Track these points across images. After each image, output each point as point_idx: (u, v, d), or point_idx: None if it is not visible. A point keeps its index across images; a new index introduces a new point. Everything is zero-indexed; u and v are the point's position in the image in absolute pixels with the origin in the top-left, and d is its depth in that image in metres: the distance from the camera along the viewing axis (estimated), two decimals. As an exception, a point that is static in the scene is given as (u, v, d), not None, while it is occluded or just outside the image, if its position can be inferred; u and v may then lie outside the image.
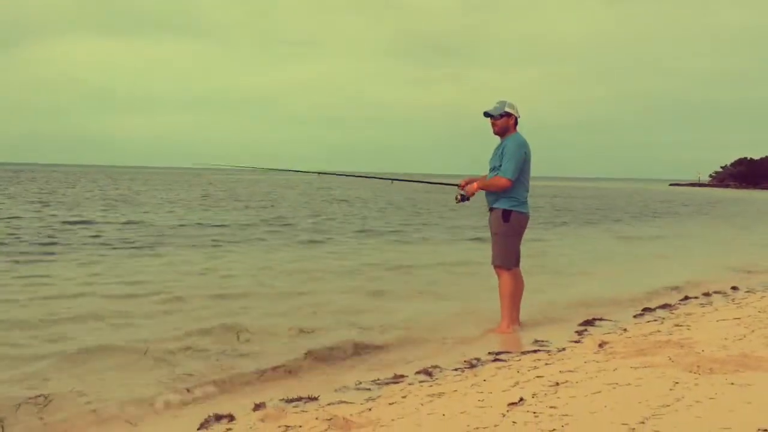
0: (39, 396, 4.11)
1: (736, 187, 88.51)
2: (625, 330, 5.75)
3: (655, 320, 6.20)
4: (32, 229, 14.54)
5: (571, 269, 10.20)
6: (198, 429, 3.61)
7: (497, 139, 6.03)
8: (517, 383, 3.91)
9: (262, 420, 3.63)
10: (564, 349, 5.11)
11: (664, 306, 7.03)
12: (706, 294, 7.84)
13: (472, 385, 4.03)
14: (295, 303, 7.16)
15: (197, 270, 9.40)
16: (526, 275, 6.15)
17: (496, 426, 3.09)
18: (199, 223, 17.04)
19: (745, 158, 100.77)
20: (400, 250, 12.63)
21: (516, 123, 5.99)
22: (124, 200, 27.63)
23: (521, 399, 3.49)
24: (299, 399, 4.01)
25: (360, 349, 5.34)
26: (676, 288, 8.35)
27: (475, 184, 6.00)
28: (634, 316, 6.53)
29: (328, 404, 3.87)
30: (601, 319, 6.34)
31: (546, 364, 4.51)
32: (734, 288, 8.30)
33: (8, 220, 16.58)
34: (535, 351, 5.12)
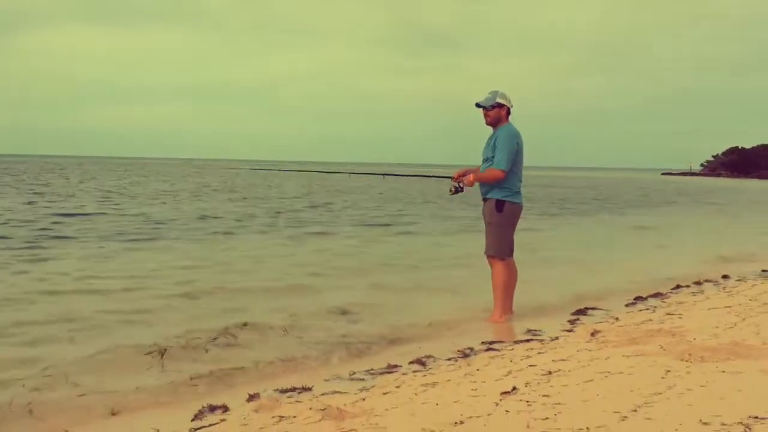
0: (33, 390, 4.11)
1: (728, 176, 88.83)
2: (617, 319, 5.79)
3: (647, 309, 6.23)
4: (25, 221, 14.45)
5: (564, 258, 10.23)
6: (192, 420, 3.61)
7: (490, 130, 6.03)
8: (510, 372, 3.93)
9: (256, 410, 3.64)
10: (557, 338, 5.14)
11: (656, 295, 7.07)
12: (698, 283, 7.88)
13: (466, 374, 4.04)
14: (289, 294, 7.17)
15: (191, 262, 9.37)
16: (519, 265, 6.17)
17: (489, 415, 3.11)
18: (202, 216, 16.91)
19: (737, 147, 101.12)
20: (393, 241, 12.64)
21: (508, 113, 5.99)
22: (118, 192, 27.50)
23: (514, 388, 3.51)
24: (293, 389, 4.02)
25: (353, 340, 5.35)
26: (668, 277, 8.38)
27: (471, 176, 5.99)
28: (626, 305, 6.57)
29: (322, 394, 3.88)
30: (593, 308, 6.38)
31: (539, 353, 4.53)
32: (725, 276, 8.35)
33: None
34: (527, 340, 5.15)
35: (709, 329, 4.78)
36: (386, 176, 6.69)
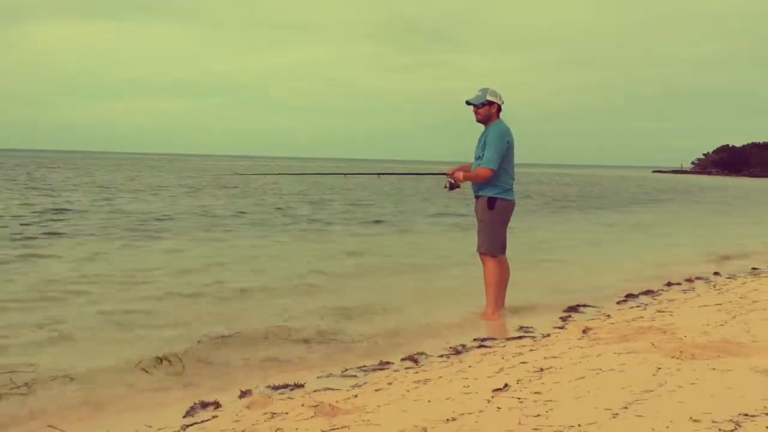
0: (23, 384, 4.09)
1: (718, 174, 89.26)
2: (608, 316, 5.81)
3: (638, 306, 6.26)
4: (13, 217, 14.38)
5: (557, 256, 10.25)
6: (184, 416, 3.61)
7: (483, 127, 6.04)
8: (502, 369, 3.94)
9: (248, 407, 3.64)
10: (548, 335, 5.16)
11: (647, 292, 7.10)
12: (689, 280, 7.92)
13: (458, 371, 4.05)
14: (281, 290, 7.16)
15: (185, 259, 9.35)
16: (512, 262, 6.18)
17: (481, 412, 3.11)
18: (198, 212, 16.83)
19: (727, 146, 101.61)
20: (386, 238, 12.64)
21: (499, 110, 5.98)
22: (108, 187, 27.38)
23: (506, 385, 3.52)
24: (285, 386, 4.02)
25: (345, 337, 5.35)
26: (659, 274, 8.42)
27: (460, 175, 6.00)
28: (618, 303, 6.60)
29: (315, 391, 3.88)
30: (585, 306, 6.40)
31: (531, 350, 4.55)
32: (716, 274, 8.40)
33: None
34: (519, 337, 5.16)
35: (700, 327, 4.81)
36: (382, 176, 6.72)
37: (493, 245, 5.94)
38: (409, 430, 2.93)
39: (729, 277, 8.08)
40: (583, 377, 3.59)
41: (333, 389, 3.92)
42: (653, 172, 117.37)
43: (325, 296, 6.87)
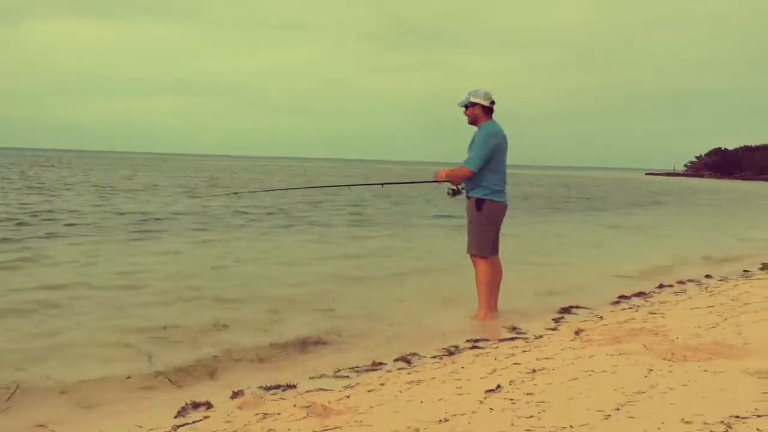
0: (14, 385, 4.07)
1: (711, 177, 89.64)
2: (601, 318, 5.82)
3: (631, 308, 6.27)
4: (5, 215, 14.30)
5: (551, 257, 10.27)
6: (175, 417, 3.59)
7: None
8: (494, 370, 3.95)
9: (240, 407, 3.63)
10: (541, 336, 5.16)
11: (639, 294, 7.12)
12: (681, 282, 7.94)
13: (450, 372, 4.05)
14: (274, 291, 7.15)
15: (180, 259, 9.33)
16: (505, 263, 6.19)
17: (473, 413, 3.11)
18: (194, 212, 16.77)
19: (720, 148, 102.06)
20: (385, 239, 12.62)
21: (488, 111, 5.98)
22: (105, 186, 27.27)
23: (498, 386, 3.52)
24: (277, 387, 4.01)
25: (338, 337, 5.34)
26: (651, 276, 8.45)
27: (442, 173, 6.03)
28: (610, 304, 6.61)
29: (307, 392, 3.87)
30: (577, 307, 6.41)
31: (523, 351, 4.55)
32: (708, 276, 8.42)
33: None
34: (512, 338, 5.17)
35: (692, 329, 4.82)
36: (384, 185, 6.75)
37: (482, 246, 5.94)
38: (402, 431, 2.93)
39: (721, 280, 8.11)
40: (576, 378, 3.60)
41: (325, 390, 3.91)
42: (646, 174, 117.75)
43: (319, 297, 6.86)
